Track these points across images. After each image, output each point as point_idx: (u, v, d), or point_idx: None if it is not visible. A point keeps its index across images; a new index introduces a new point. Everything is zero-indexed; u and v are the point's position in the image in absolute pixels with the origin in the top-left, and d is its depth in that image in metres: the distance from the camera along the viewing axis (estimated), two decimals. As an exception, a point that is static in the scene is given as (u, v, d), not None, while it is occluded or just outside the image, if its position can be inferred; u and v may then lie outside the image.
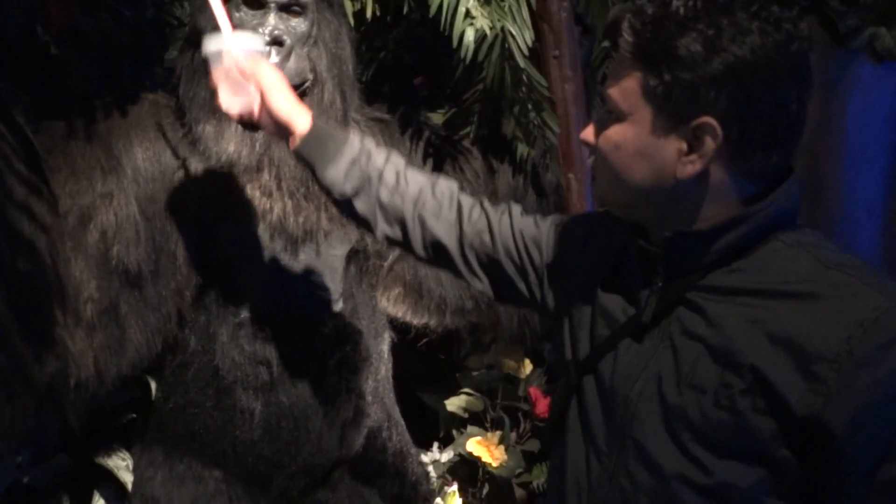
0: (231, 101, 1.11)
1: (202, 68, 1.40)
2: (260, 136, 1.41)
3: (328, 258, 1.49)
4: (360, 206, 1.13)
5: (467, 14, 1.40)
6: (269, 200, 1.43)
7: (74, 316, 1.31)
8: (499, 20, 1.45)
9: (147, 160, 1.40)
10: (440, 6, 1.39)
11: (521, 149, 1.64)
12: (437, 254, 1.15)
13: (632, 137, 0.88)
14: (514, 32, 1.50)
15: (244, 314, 1.44)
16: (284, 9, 1.39)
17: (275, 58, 1.36)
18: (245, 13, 1.38)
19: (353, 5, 1.57)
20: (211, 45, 1.12)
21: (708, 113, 0.84)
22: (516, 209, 1.16)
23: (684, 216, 0.89)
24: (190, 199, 1.42)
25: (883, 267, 2.02)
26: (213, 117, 1.39)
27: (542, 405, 1.83)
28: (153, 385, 1.55)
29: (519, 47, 1.52)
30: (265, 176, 1.42)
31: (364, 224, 1.16)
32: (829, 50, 1.90)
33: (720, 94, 0.83)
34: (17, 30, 1.47)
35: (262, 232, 1.43)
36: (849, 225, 1.99)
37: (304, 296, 1.47)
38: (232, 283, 1.44)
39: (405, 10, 1.62)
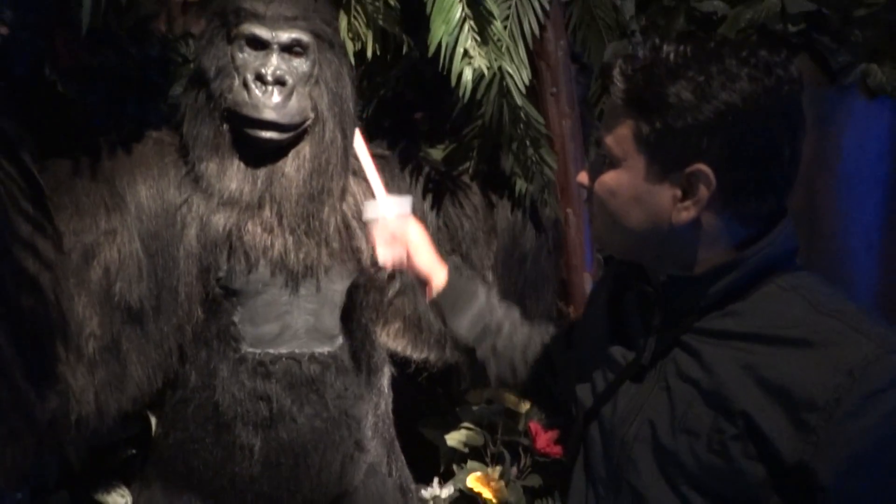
0: (387, 255, 1.29)
1: (206, 108, 1.42)
2: (262, 173, 1.43)
3: (328, 293, 1.50)
4: (479, 352, 1.25)
5: (465, 54, 1.42)
6: (270, 236, 1.44)
7: (76, 352, 1.32)
8: (496, 60, 1.48)
9: (150, 197, 1.42)
10: (439, 46, 1.42)
11: (520, 184, 1.66)
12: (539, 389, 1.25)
13: (626, 184, 0.89)
14: (511, 71, 1.52)
15: (245, 350, 1.45)
16: (287, 49, 1.42)
17: (277, 97, 1.39)
18: (248, 54, 1.41)
19: (354, 45, 1.60)
20: (369, 211, 1.32)
21: (701, 160, 0.84)
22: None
23: (680, 260, 0.90)
24: (192, 235, 1.43)
25: (881, 300, 2.03)
26: (215, 155, 1.41)
27: (543, 440, 1.83)
28: (153, 421, 1.55)
29: (516, 85, 1.54)
30: (266, 212, 1.44)
31: (480, 368, 1.27)
32: (823, 86, 1.93)
33: (712, 141, 0.83)
34: (25, 69, 1.49)
35: (263, 268, 1.44)
36: (846, 259, 2.00)
37: (305, 331, 1.48)
38: (233, 318, 1.45)
39: (405, 49, 1.65)
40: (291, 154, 1.44)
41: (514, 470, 1.86)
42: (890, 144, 2.02)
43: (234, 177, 1.41)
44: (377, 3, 1.58)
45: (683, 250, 0.89)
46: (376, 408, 1.59)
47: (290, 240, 1.45)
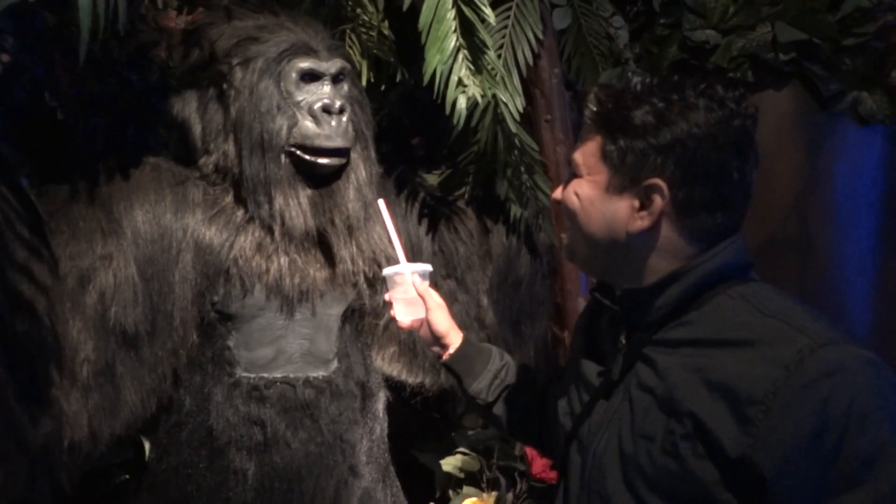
0: (404, 314, 1.31)
1: (269, 146, 1.43)
2: (320, 197, 1.47)
3: (324, 318, 1.50)
4: (497, 409, 1.28)
5: (459, 83, 1.45)
6: (266, 261, 1.45)
7: (70, 377, 1.32)
8: (490, 88, 1.50)
9: (147, 222, 1.43)
10: (434, 75, 1.44)
11: (515, 210, 1.67)
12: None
13: (589, 192, 0.97)
14: (505, 100, 1.54)
15: (239, 374, 1.45)
16: (334, 79, 1.47)
17: (343, 124, 1.45)
18: (302, 88, 1.45)
19: (349, 73, 1.62)
20: (389, 269, 1.34)
21: (657, 175, 0.92)
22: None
23: (635, 270, 0.96)
24: (188, 260, 1.44)
25: (875, 324, 2.03)
26: (279, 191, 1.44)
27: (539, 465, 1.82)
28: (147, 446, 1.55)
29: (511, 113, 1.56)
30: (267, 239, 1.45)
31: (497, 423, 1.30)
32: (815, 113, 1.95)
33: (667, 160, 0.92)
34: (25, 95, 1.51)
35: (259, 292, 1.45)
36: (840, 284, 2.01)
37: (299, 355, 1.48)
38: (227, 342, 1.46)
39: (398, 77, 1.68)
40: (345, 174, 1.49)
41: (510, 496, 1.85)
42: (881, 171, 2.04)
43: (298, 207, 1.45)
44: (371, 33, 1.60)
45: (638, 259, 0.96)
46: (371, 432, 1.58)
47: (285, 264, 1.46)
